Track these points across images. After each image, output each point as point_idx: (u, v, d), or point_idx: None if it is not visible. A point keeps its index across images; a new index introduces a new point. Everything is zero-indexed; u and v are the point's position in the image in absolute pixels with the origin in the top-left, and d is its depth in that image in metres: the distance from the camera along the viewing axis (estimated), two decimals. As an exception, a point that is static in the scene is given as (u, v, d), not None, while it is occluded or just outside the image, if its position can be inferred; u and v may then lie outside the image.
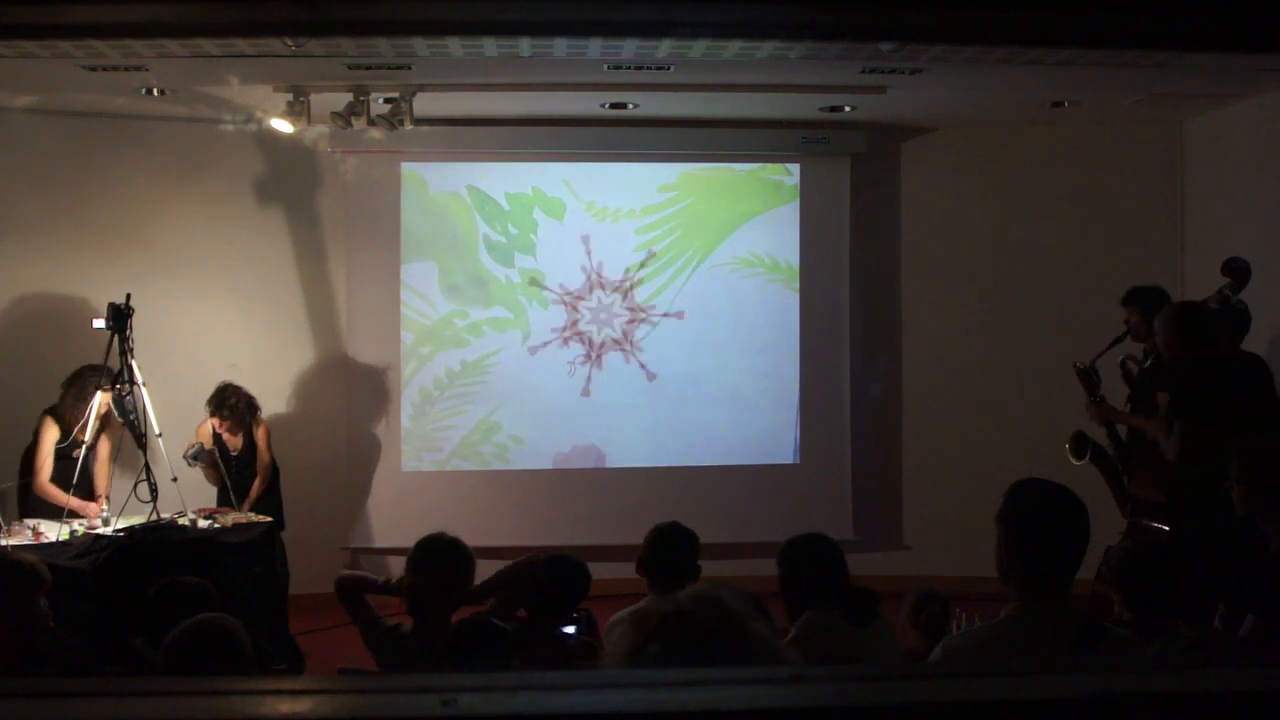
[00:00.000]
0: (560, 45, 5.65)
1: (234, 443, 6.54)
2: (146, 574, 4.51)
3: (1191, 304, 5.38)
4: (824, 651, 3.31)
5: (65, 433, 6.08)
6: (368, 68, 6.01)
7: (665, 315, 7.78)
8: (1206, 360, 5.04)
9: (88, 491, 6.18)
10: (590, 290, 7.73)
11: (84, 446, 6.06)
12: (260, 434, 6.62)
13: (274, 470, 6.72)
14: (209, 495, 6.58)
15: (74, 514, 5.88)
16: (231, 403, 6.42)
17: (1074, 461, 5.84)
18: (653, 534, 3.94)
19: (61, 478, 6.00)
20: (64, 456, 6.05)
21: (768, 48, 5.54)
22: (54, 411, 6.11)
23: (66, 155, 7.11)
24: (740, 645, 1.51)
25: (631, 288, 7.75)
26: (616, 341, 7.77)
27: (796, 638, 3.30)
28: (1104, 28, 1.38)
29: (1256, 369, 5.38)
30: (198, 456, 6.34)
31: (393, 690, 1.08)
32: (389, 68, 6.04)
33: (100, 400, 5.97)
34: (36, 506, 6.01)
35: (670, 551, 3.87)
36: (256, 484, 6.57)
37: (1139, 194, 7.79)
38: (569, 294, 7.72)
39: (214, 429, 6.47)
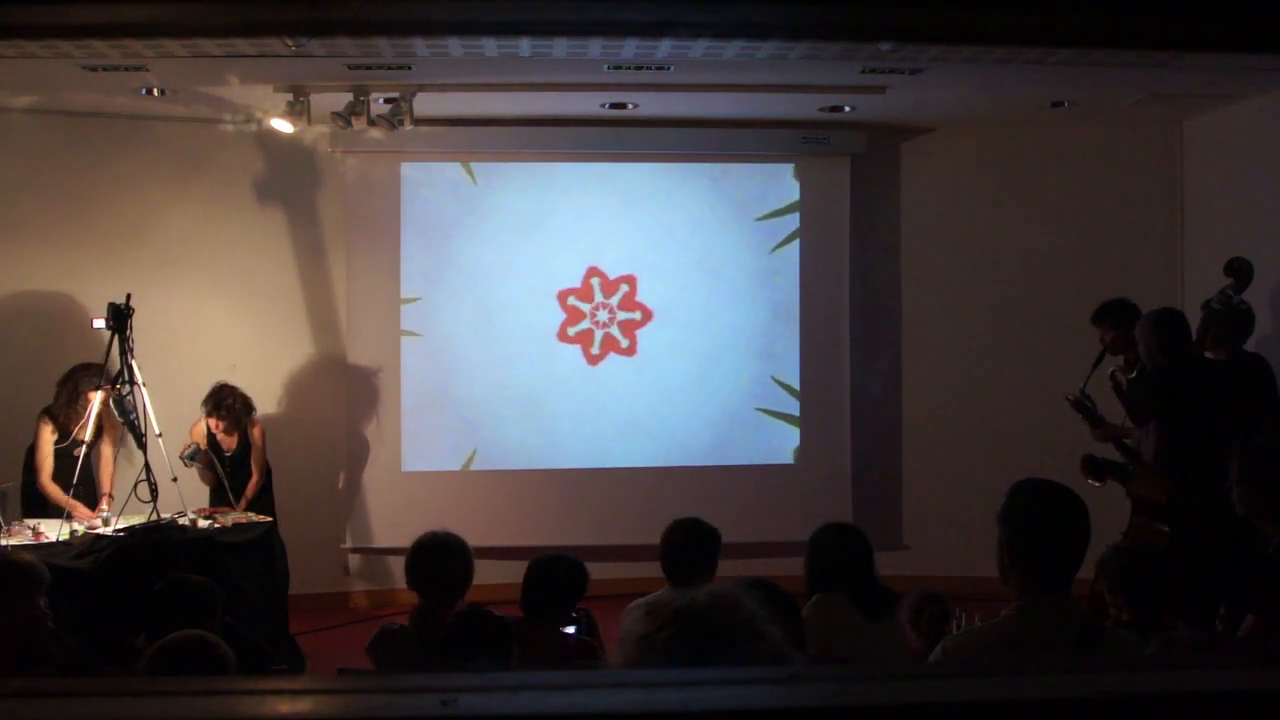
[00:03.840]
0: (560, 45, 5.65)
1: (229, 443, 6.51)
2: (146, 574, 4.51)
3: (1168, 310, 5.43)
4: (830, 636, 3.33)
5: (61, 432, 6.09)
6: (368, 68, 6.01)
7: (666, 315, 7.78)
8: (1183, 363, 5.12)
9: (90, 491, 6.19)
10: (590, 290, 7.73)
11: (84, 446, 6.06)
12: (256, 434, 6.60)
13: (267, 469, 6.72)
14: (207, 495, 6.58)
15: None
16: (229, 403, 6.40)
17: (1094, 484, 5.82)
18: (670, 529, 3.95)
19: (62, 477, 6.00)
20: (65, 455, 6.06)
21: (768, 48, 5.54)
22: (49, 411, 6.12)
23: (66, 155, 7.11)
24: (750, 646, 1.51)
25: (632, 288, 7.76)
26: (616, 341, 7.76)
27: (805, 617, 3.32)
28: (1104, 28, 1.38)
29: (1258, 369, 5.39)
30: (194, 457, 6.33)
31: (393, 690, 1.08)
32: (389, 68, 6.03)
33: (98, 399, 5.98)
34: (38, 505, 6.02)
35: (686, 546, 3.89)
36: (253, 483, 6.55)
37: (1139, 194, 7.78)
38: (569, 294, 7.72)
39: (209, 429, 6.46)
